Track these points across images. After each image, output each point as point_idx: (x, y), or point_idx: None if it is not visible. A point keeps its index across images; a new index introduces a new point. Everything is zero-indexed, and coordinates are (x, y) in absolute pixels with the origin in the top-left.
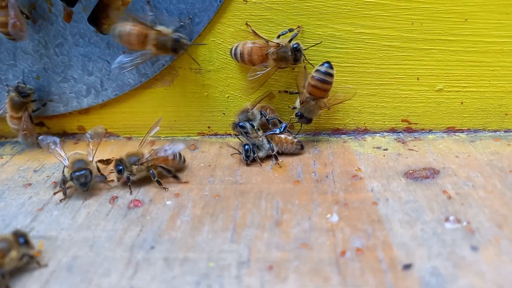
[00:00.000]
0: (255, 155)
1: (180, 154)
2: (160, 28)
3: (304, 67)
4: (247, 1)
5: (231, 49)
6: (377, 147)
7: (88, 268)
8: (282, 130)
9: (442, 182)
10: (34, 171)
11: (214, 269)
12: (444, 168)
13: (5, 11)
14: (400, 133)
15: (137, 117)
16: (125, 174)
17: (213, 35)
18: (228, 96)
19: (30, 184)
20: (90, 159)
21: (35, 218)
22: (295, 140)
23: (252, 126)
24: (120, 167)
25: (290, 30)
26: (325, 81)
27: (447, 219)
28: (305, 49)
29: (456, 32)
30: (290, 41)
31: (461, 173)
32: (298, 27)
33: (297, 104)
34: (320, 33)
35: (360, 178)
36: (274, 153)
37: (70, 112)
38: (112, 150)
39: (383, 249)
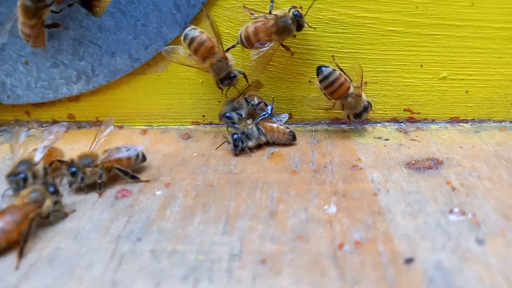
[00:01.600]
0: (244, 144)
1: (139, 154)
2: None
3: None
4: None
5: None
6: (378, 137)
7: (71, 260)
8: (270, 112)
9: (446, 173)
10: None
11: (204, 262)
12: (448, 158)
13: (31, 28)
14: (402, 123)
15: (129, 104)
16: (79, 176)
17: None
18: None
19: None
20: (37, 159)
21: None
22: (287, 130)
23: (240, 115)
24: (74, 169)
25: (272, 1)
26: (334, 80)
27: (451, 211)
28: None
29: (462, 17)
30: (289, 10)
31: (466, 164)
32: (301, 7)
33: (343, 112)
34: (320, 16)
35: (360, 168)
36: (263, 142)
37: (59, 100)
38: (104, 139)
39: (384, 242)
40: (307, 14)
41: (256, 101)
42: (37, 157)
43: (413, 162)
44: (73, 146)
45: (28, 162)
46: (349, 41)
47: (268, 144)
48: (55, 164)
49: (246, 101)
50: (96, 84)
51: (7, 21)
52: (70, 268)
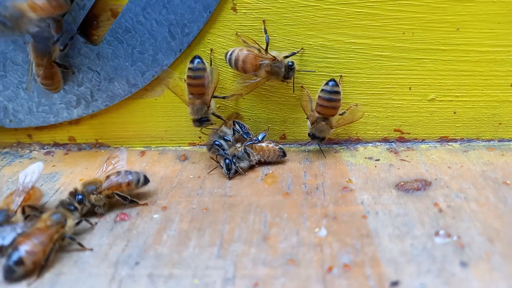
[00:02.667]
0: (237, 165)
1: (140, 179)
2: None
3: (306, 92)
4: (237, 11)
5: (227, 52)
6: (369, 158)
7: (72, 285)
8: (261, 139)
9: (434, 194)
10: None
11: (198, 286)
12: (436, 179)
13: (44, 68)
14: (392, 143)
15: (127, 127)
16: (87, 204)
17: (203, 46)
18: (219, 106)
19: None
20: (14, 207)
21: None
22: (277, 147)
23: (228, 140)
24: (81, 197)
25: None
26: (332, 99)
27: (437, 234)
28: (297, 71)
29: (448, 42)
30: (286, 57)
31: (454, 185)
32: (302, 48)
33: (308, 125)
34: (310, 43)
35: (351, 190)
36: (255, 162)
37: (60, 123)
38: (103, 161)
39: (371, 265)
40: (298, 41)
41: (238, 127)
42: (15, 204)
43: (402, 183)
44: (73, 169)
45: (5, 212)
46: (339, 65)
47: (260, 163)
48: (26, 211)
49: (234, 130)
50: (95, 108)
51: (29, 69)
52: None
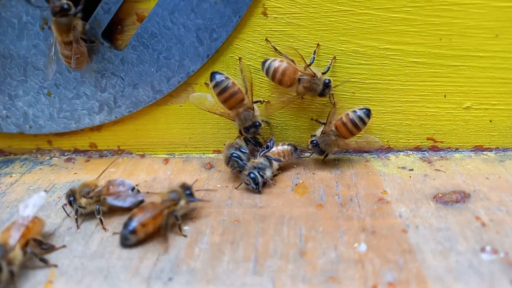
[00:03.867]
0: (264, 178)
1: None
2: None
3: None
4: (267, 16)
5: (265, 61)
6: (402, 167)
7: None
8: (271, 145)
9: (474, 206)
10: (45, 191)
11: None
12: (474, 191)
13: (70, 46)
14: (425, 152)
15: (151, 134)
16: (75, 206)
17: (231, 51)
18: None
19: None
20: (13, 243)
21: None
22: (287, 146)
23: (245, 152)
24: (71, 198)
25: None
26: (357, 125)
27: (483, 250)
28: (334, 87)
29: (486, 48)
30: (324, 73)
31: (493, 197)
32: (334, 57)
33: (318, 132)
34: (343, 48)
35: (387, 202)
36: (277, 169)
37: (81, 129)
38: (126, 169)
39: (417, 283)
40: (331, 47)
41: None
42: (13, 239)
43: (440, 195)
44: (95, 177)
45: (2, 248)
46: (372, 72)
47: (280, 169)
48: (30, 244)
49: (245, 140)
50: (118, 114)
51: (49, 53)
52: None
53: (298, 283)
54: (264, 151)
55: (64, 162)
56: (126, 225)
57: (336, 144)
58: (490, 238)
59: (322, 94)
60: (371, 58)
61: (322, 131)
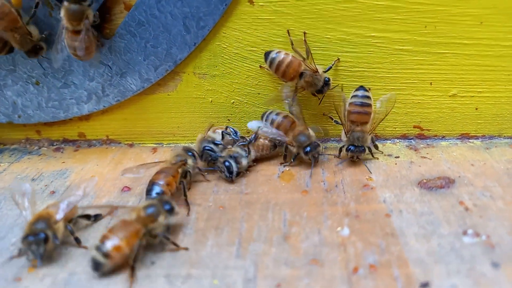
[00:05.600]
0: (238, 166)
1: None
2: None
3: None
4: (254, 4)
5: (270, 52)
6: (389, 155)
7: (86, 285)
8: (253, 139)
9: (458, 192)
10: (32, 179)
11: (218, 287)
12: (459, 177)
13: (78, 36)
14: (412, 140)
15: (139, 123)
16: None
17: (218, 39)
18: (234, 102)
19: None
20: (58, 217)
21: None
22: (269, 143)
23: (218, 144)
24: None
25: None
26: (364, 103)
27: (465, 233)
28: (332, 88)
29: (471, 36)
30: (325, 71)
31: (478, 183)
32: (338, 59)
33: (343, 137)
34: (329, 36)
35: (372, 187)
36: (253, 159)
37: (70, 119)
38: (114, 158)
39: (398, 266)
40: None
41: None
42: (59, 215)
43: (424, 181)
44: (84, 166)
45: (47, 221)
46: (358, 60)
47: (256, 160)
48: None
49: (223, 134)
50: (106, 104)
51: (56, 41)
52: None
53: (281, 266)
54: (242, 143)
55: (52, 152)
56: (148, 191)
57: (366, 133)
58: (473, 222)
59: (320, 91)
60: (357, 45)
61: (345, 132)
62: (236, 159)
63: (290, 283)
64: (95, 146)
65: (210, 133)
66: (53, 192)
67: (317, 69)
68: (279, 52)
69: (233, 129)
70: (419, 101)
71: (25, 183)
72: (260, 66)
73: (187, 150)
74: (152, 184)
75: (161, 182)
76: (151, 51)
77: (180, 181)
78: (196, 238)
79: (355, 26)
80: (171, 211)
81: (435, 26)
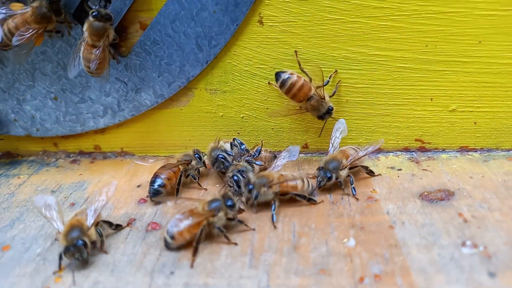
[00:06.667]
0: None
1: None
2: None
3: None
4: (263, 24)
5: (281, 72)
6: (391, 167)
7: None
8: (258, 154)
9: (457, 204)
10: (52, 191)
11: None
12: (459, 189)
13: (97, 49)
14: (413, 152)
15: (152, 136)
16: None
17: (229, 57)
18: (243, 116)
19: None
20: (89, 223)
21: (55, 241)
22: (269, 154)
23: (230, 154)
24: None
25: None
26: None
27: (463, 244)
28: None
29: (470, 54)
30: (331, 96)
31: (476, 195)
32: (336, 71)
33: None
34: (334, 55)
35: (376, 200)
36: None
37: (86, 132)
38: (129, 170)
39: (402, 275)
40: (323, 53)
41: (237, 142)
42: (89, 221)
43: (425, 193)
44: (100, 178)
45: (80, 228)
46: (362, 77)
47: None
48: (99, 225)
49: (232, 144)
50: (121, 118)
51: (76, 52)
52: None
53: (291, 275)
54: (247, 158)
55: (69, 164)
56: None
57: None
58: (471, 233)
59: (321, 117)
60: (361, 63)
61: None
62: (243, 173)
63: None
64: (110, 158)
65: (222, 143)
66: (73, 204)
67: (324, 96)
68: (292, 74)
69: (239, 140)
70: (420, 115)
71: (47, 195)
72: (269, 83)
73: (197, 152)
74: (155, 176)
75: (163, 176)
76: (165, 68)
77: (180, 178)
78: (211, 249)
79: (359, 45)
80: (232, 207)
81: (436, 45)
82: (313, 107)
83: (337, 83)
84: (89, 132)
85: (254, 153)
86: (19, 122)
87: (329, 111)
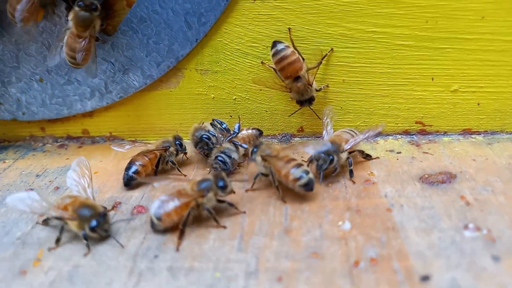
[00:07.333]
0: (232, 159)
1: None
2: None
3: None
4: (254, 0)
5: (278, 42)
6: (390, 150)
7: (90, 278)
8: (237, 130)
9: (459, 187)
10: (37, 175)
11: (221, 279)
12: (461, 172)
13: (83, 40)
14: (414, 136)
15: (142, 120)
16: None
17: (220, 35)
18: (235, 98)
19: (32, 189)
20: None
21: (36, 224)
22: (252, 131)
23: (213, 135)
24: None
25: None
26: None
27: (466, 227)
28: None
29: (472, 31)
30: (318, 90)
31: (479, 178)
32: (331, 49)
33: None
34: (330, 32)
35: (373, 183)
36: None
37: (74, 115)
38: (117, 154)
39: (399, 259)
40: (318, 30)
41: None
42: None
43: (426, 176)
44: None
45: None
46: (359, 55)
47: (246, 155)
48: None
49: (212, 124)
50: (109, 100)
51: (59, 41)
52: (89, 286)
53: (282, 259)
54: (230, 137)
55: (57, 148)
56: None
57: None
58: (473, 216)
59: (300, 102)
60: (358, 41)
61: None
62: (227, 154)
63: (291, 276)
64: (98, 142)
65: (205, 123)
66: (58, 188)
67: (312, 83)
68: (288, 47)
69: (219, 120)
70: (421, 96)
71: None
72: (262, 62)
73: (177, 138)
74: (130, 163)
75: (138, 163)
76: (153, 47)
77: (156, 164)
78: (198, 232)
79: (356, 21)
80: (223, 188)
81: (437, 21)
82: (298, 89)
83: (324, 55)
84: (77, 115)
85: (234, 131)
86: (5, 106)
87: (310, 100)
